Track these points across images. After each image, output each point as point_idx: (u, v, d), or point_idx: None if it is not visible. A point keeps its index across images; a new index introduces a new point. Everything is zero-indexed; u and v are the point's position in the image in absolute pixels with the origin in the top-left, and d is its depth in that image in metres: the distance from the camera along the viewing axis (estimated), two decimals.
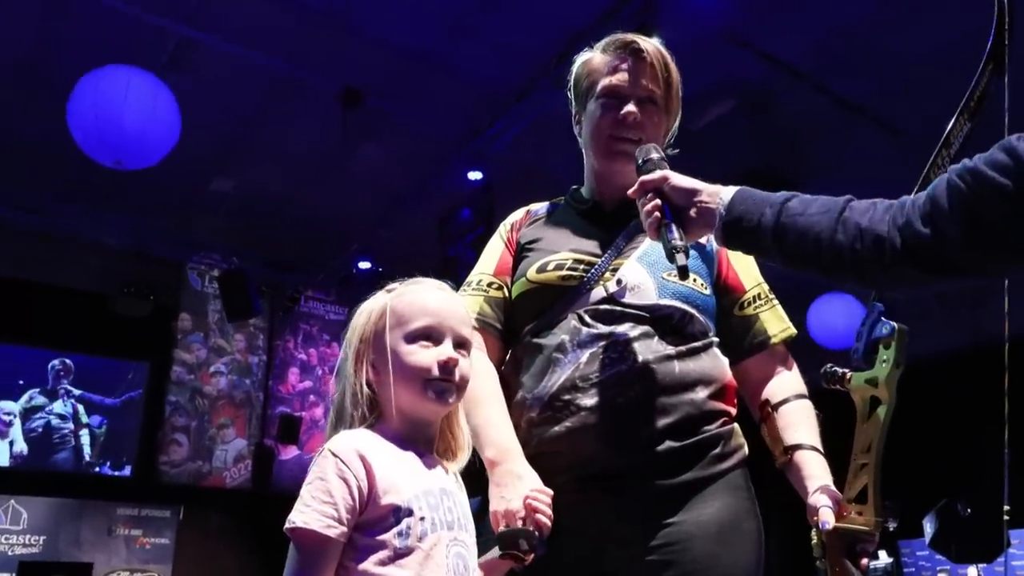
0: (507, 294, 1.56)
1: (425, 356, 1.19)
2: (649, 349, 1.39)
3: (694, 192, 1.30)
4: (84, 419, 8.01)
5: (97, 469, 8.03)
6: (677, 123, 1.67)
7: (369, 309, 1.27)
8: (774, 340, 1.53)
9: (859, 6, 4.57)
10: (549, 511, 1.24)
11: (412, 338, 1.20)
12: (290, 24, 4.91)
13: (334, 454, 1.11)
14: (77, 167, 5.28)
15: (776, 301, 1.58)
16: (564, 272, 1.47)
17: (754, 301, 1.55)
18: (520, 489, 1.27)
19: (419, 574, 1.08)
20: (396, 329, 1.21)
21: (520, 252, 1.57)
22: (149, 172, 4.88)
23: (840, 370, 1.07)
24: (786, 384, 1.49)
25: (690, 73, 5.85)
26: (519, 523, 1.23)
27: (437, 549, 1.11)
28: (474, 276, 1.61)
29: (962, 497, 6.17)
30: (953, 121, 0.91)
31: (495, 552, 1.22)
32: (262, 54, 5.08)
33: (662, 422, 1.36)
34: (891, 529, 1.12)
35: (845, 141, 5.58)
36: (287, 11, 4.82)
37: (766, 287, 1.59)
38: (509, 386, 1.49)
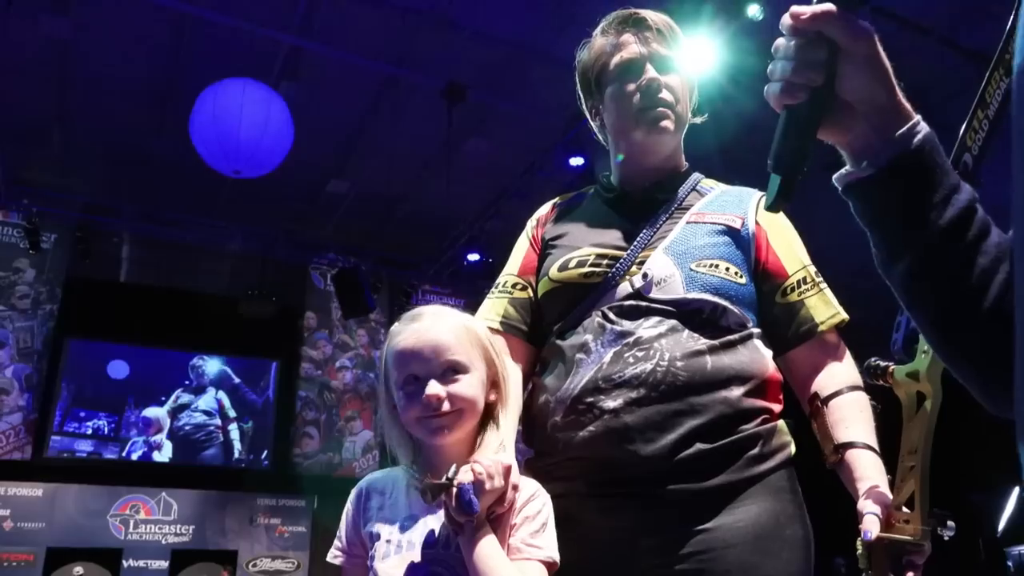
0: (533, 294, 1.48)
1: (412, 398, 1.23)
2: (678, 345, 1.28)
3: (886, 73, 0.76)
4: (231, 414, 8.50)
5: (243, 464, 8.51)
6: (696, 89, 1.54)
7: (381, 357, 1.33)
8: (822, 327, 1.36)
9: None
10: (490, 468, 1.13)
11: (401, 386, 1.24)
12: (393, 25, 5.01)
13: (351, 494, 1.31)
14: (203, 179, 5.59)
15: (824, 285, 1.41)
16: (586, 269, 1.38)
17: (799, 286, 1.39)
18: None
19: None
20: (388, 380, 1.28)
21: (544, 249, 1.49)
22: (268, 179, 5.11)
23: (883, 363, 0.97)
24: (837, 375, 1.34)
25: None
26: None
27: (400, 570, 1.17)
28: (501, 278, 1.54)
29: None
30: (987, 78, 0.81)
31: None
32: (367, 57, 5.22)
33: (691, 423, 1.24)
34: (946, 538, 1.00)
35: (973, 94, 5.22)
36: (390, 12, 4.93)
37: (812, 270, 1.42)
38: (535, 389, 1.41)
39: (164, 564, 7.94)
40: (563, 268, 1.41)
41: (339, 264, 7.91)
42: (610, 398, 1.27)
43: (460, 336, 1.27)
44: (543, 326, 1.46)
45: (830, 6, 0.72)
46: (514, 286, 1.50)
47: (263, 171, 4.70)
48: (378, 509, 1.25)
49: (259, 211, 7.12)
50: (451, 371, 1.23)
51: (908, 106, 0.77)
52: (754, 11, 4.06)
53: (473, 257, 7.15)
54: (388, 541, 1.20)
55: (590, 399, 1.29)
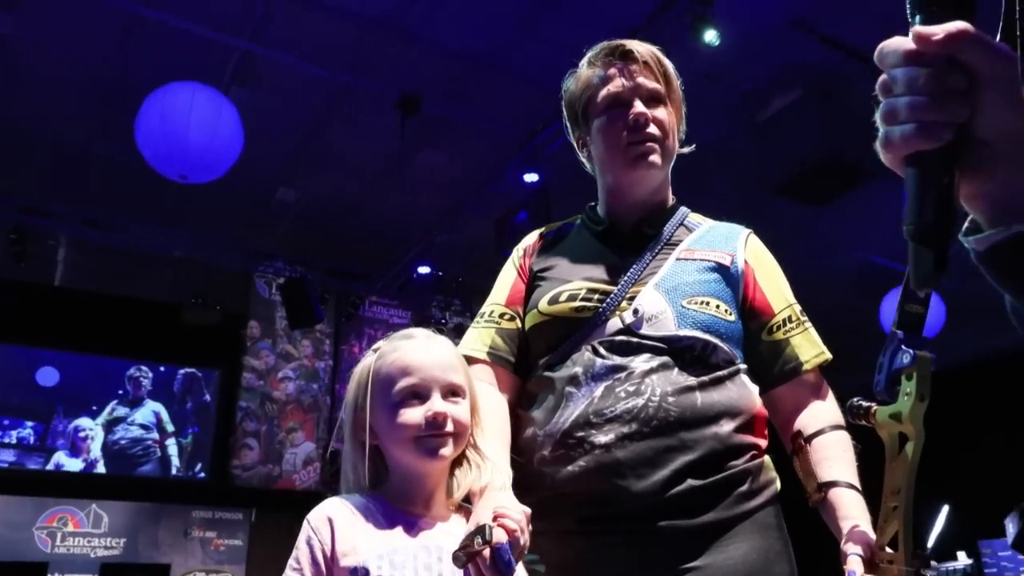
0: (520, 324, 1.47)
1: (413, 415, 1.19)
2: (668, 381, 1.29)
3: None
4: (169, 428, 8.28)
5: (178, 475, 8.29)
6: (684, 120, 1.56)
7: (358, 375, 1.27)
8: (807, 366, 1.39)
9: None
10: (517, 521, 1.11)
11: (399, 399, 1.20)
12: (348, 34, 4.98)
13: (308, 522, 1.19)
14: (147, 183, 5.45)
15: (808, 323, 1.43)
16: (578, 303, 1.38)
17: (784, 324, 1.41)
18: (490, 508, 1.15)
19: None
20: (381, 392, 1.22)
21: (532, 280, 1.49)
22: (215, 185, 5.01)
23: (865, 404, 0.98)
24: (820, 414, 1.36)
25: (753, 62, 5.74)
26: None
27: None
28: (486, 307, 1.53)
29: None
30: None
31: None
32: (321, 65, 5.17)
33: (683, 459, 1.25)
34: None
35: None
36: (344, 21, 4.89)
37: (798, 308, 1.45)
38: (521, 421, 1.40)
39: None
40: (553, 301, 1.40)
41: (285, 273, 7.80)
42: (601, 433, 1.27)
43: (459, 360, 1.27)
44: (529, 358, 1.45)
45: (966, 25, 0.59)
46: (501, 316, 1.49)
47: (211, 177, 4.61)
48: (360, 540, 1.17)
49: (203, 217, 6.98)
50: (451, 393, 1.22)
51: None
52: (711, 36, 4.14)
53: (424, 270, 7.12)
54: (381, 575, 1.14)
55: (581, 433, 1.28)
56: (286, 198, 6.91)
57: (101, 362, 8.14)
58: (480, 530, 1.08)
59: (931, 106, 0.59)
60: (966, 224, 0.66)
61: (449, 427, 1.19)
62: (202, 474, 8.35)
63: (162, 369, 8.37)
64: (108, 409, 8.10)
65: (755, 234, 1.55)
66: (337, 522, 1.18)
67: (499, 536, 1.07)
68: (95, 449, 7.93)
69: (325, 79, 5.32)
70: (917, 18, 0.62)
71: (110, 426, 8.06)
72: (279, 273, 8.03)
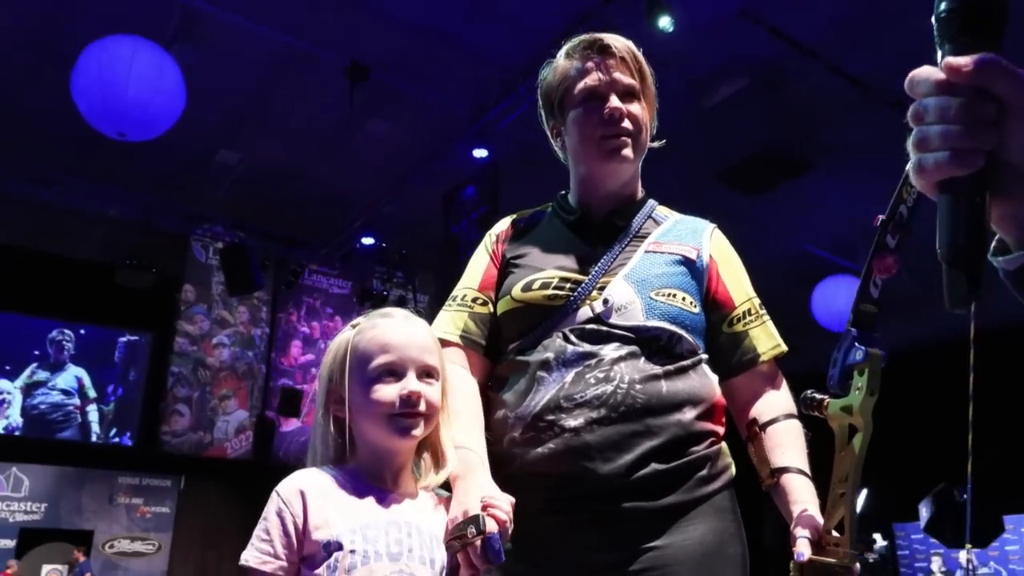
0: (492, 309, 1.50)
1: (387, 392, 1.20)
2: (636, 369, 1.35)
3: None
4: (91, 394, 8.09)
5: (104, 440, 8.11)
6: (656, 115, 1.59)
7: (335, 348, 1.28)
8: (763, 357, 1.45)
9: None
10: (506, 511, 1.18)
11: (375, 375, 1.22)
12: None
13: (278, 494, 1.18)
14: (81, 138, 5.29)
15: (767, 317, 1.50)
16: (550, 291, 1.42)
17: (744, 317, 1.48)
18: (475, 494, 1.21)
19: None
20: (359, 368, 1.23)
21: (505, 267, 1.52)
22: (154, 144, 4.88)
23: (818, 396, 1.04)
24: (775, 403, 1.43)
25: (702, 51, 5.78)
26: None
27: None
28: (459, 291, 1.55)
29: (959, 483, 6.24)
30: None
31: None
32: (270, 27, 5.06)
33: (648, 444, 1.31)
34: (869, 561, 1.11)
35: (856, 119, 5.55)
36: None
37: (757, 302, 1.51)
38: (492, 403, 1.44)
39: (11, 543, 7.51)
40: (527, 289, 1.44)
41: (224, 238, 7.66)
42: (571, 417, 1.32)
43: (435, 343, 1.29)
44: (499, 342, 1.49)
45: (995, 56, 0.62)
46: (474, 300, 1.51)
47: (151, 135, 4.49)
48: (332, 514, 1.18)
49: (139, 176, 6.79)
50: (426, 374, 1.24)
51: None
52: (665, 23, 4.19)
53: (368, 241, 7.07)
54: (353, 551, 1.15)
55: (551, 417, 1.33)
56: (227, 161, 6.77)
57: (23, 321, 7.90)
58: (474, 520, 1.12)
59: (963, 134, 0.62)
60: (994, 244, 0.68)
61: (422, 407, 1.21)
62: (129, 440, 8.19)
63: (83, 331, 8.14)
64: (28, 372, 7.87)
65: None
66: (309, 495, 1.18)
67: (491, 527, 1.12)
68: (14, 413, 7.71)
69: (273, 41, 5.22)
70: (946, 47, 0.65)
71: (29, 390, 7.84)
72: (217, 237, 7.88)
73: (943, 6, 0.65)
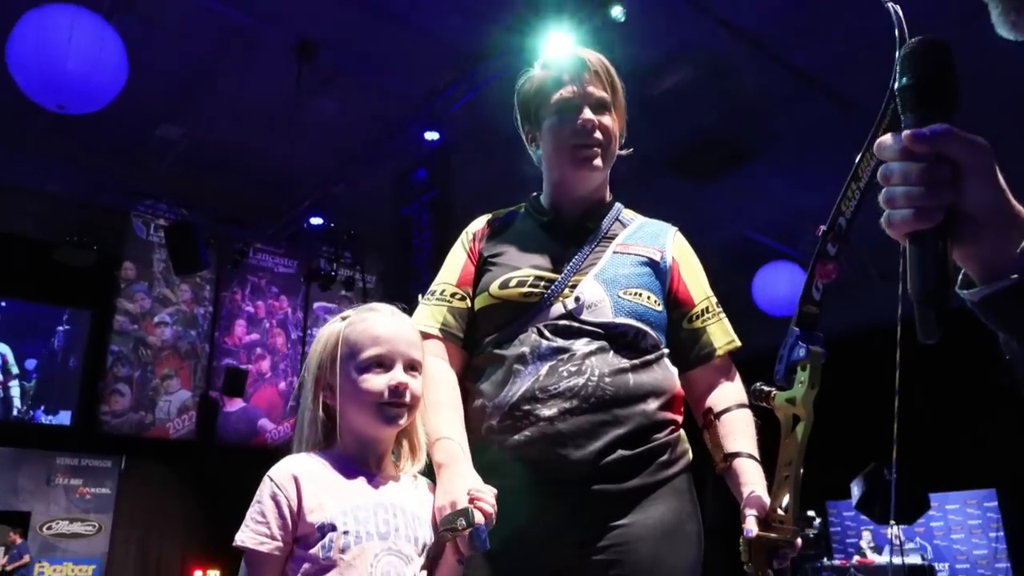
0: (470, 304, 1.59)
1: (377, 382, 1.28)
2: (605, 363, 1.45)
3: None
4: (14, 371, 7.84)
5: (20, 415, 7.86)
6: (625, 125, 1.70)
7: (325, 338, 1.35)
8: (719, 352, 1.58)
9: None
10: (491, 504, 1.27)
11: (365, 365, 1.29)
12: None
13: (271, 479, 1.25)
14: (18, 111, 5.10)
15: (723, 314, 1.62)
16: (526, 289, 1.52)
17: (702, 314, 1.60)
18: (462, 484, 1.31)
19: None
20: (349, 358, 1.30)
21: (482, 264, 1.61)
22: (94, 117, 4.74)
23: (766, 388, 1.13)
24: (728, 394, 1.55)
25: (652, 39, 5.81)
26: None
27: (361, 559, 1.22)
28: (437, 286, 1.63)
29: (888, 463, 6.46)
30: (860, 156, 0.94)
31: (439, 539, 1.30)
32: (215, 1, 4.94)
33: (615, 432, 1.42)
34: (810, 536, 1.23)
35: (799, 111, 5.67)
36: None
37: (714, 300, 1.63)
38: (469, 393, 1.53)
39: None
40: (504, 286, 1.54)
41: (166, 215, 7.49)
42: (546, 407, 1.42)
43: (419, 338, 1.39)
44: (476, 335, 1.58)
45: (949, 125, 0.71)
46: (452, 295, 1.60)
47: (91, 108, 4.35)
48: (324, 497, 1.24)
49: (77, 149, 6.58)
50: (410, 367, 1.32)
51: (1015, 203, 0.75)
52: (617, 12, 4.23)
53: (316, 221, 6.98)
54: (346, 532, 1.22)
55: (527, 407, 1.43)
56: (169, 135, 6.60)
57: None
58: (463, 513, 1.24)
59: (924, 194, 0.72)
60: (960, 277, 0.78)
61: (407, 398, 1.29)
62: (68, 420, 7.97)
63: (3, 304, 7.88)
64: None
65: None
66: (302, 480, 1.24)
67: (479, 519, 1.23)
68: None
69: (219, 15, 5.10)
70: (907, 116, 0.74)
71: None
72: (159, 214, 7.69)
73: (904, 81, 0.74)
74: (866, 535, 8.37)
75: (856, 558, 8.02)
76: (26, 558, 7.26)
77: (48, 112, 4.44)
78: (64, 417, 7.98)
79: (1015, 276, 0.74)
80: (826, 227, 1.00)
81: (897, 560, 7.26)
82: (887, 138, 0.74)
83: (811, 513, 8.51)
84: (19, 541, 7.31)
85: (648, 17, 4.71)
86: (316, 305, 8.99)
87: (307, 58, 5.34)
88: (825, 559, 8.01)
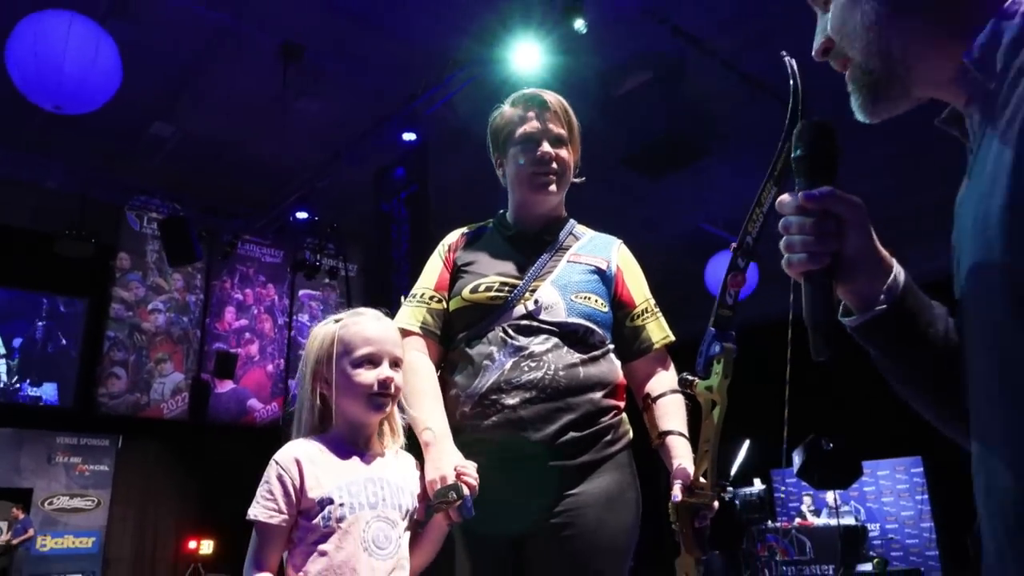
0: (445, 305, 1.73)
1: (368, 376, 1.41)
2: (560, 358, 1.60)
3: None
4: (1, 350, 7.71)
5: (15, 389, 7.72)
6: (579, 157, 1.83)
7: (321, 336, 1.47)
8: (656, 345, 1.73)
9: None
10: (475, 477, 1.42)
11: (358, 362, 1.42)
12: None
13: (277, 462, 1.37)
14: (17, 110, 4.99)
15: (660, 314, 1.78)
16: (492, 293, 1.66)
17: (642, 314, 1.75)
18: (450, 461, 1.45)
19: (338, 547, 1.33)
20: (344, 355, 1.43)
21: (456, 272, 1.75)
22: (89, 116, 4.65)
23: (689, 378, 1.22)
24: (664, 381, 1.70)
25: (612, 45, 5.83)
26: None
27: (355, 526, 1.35)
28: (418, 290, 1.77)
29: (826, 434, 6.59)
30: (762, 187, 1.05)
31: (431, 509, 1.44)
32: (204, 5, 4.87)
33: (567, 417, 1.57)
34: (726, 500, 1.32)
35: (747, 112, 5.72)
36: None
37: (652, 302, 1.78)
38: (445, 383, 1.67)
39: None
40: (474, 291, 1.68)
41: (158, 207, 7.38)
42: (510, 396, 1.58)
43: (400, 338, 1.52)
44: (451, 332, 1.72)
45: (833, 189, 0.84)
46: (431, 298, 1.74)
47: (87, 109, 4.27)
48: (322, 476, 1.36)
49: (73, 146, 6.46)
50: (394, 363, 1.46)
51: (882, 250, 0.89)
52: (580, 24, 4.25)
53: (301, 215, 6.92)
54: (342, 504, 1.34)
55: (494, 396, 1.59)
56: (161, 133, 6.50)
57: None
58: (454, 487, 1.39)
59: (815, 243, 0.85)
60: (842, 308, 0.92)
61: (392, 389, 1.43)
62: (68, 401, 7.85)
63: (15, 295, 7.72)
64: None
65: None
66: (303, 462, 1.36)
67: (466, 491, 1.39)
68: None
69: (207, 19, 5.02)
70: (800, 180, 0.87)
71: None
72: (149, 207, 7.59)
73: (798, 152, 0.88)
74: (807, 500, 8.53)
75: (797, 520, 8.18)
76: (30, 531, 7.17)
77: (45, 111, 4.35)
78: (48, 389, 7.82)
79: (880, 308, 0.88)
80: (736, 244, 1.11)
81: (834, 521, 7.42)
82: (786, 197, 0.87)
83: (756, 480, 8.67)
84: (22, 516, 7.21)
85: (608, 26, 4.73)
86: (301, 292, 8.94)
87: (292, 60, 5.29)
88: (770, 522, 8.16)
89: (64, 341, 8.02)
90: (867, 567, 7.33)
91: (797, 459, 6.79)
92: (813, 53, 0.93)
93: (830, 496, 7.58)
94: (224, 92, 5.90)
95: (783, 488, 9.43)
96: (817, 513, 8.25)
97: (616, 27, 4.87)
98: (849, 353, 0.89)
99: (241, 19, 5.02)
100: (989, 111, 0.77)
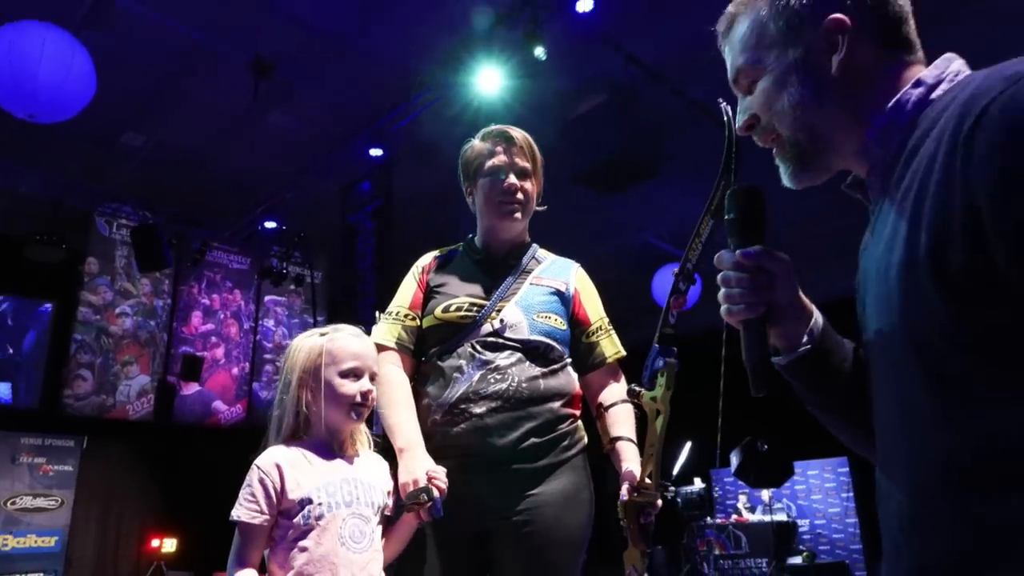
0: (419, 323, 1.80)
1: (352, 387, 1.50)
2: (523, 372, 1.68)
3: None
4: None
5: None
6: (542, 188, 1.92)
7: (308, 348, 1.53)
8: (609, 360, 1.83)
9: (717, 19, 4.78)
10: (445, 482, 1.51)
11: (344, 374, 1.50)
12: None
13: (258, 467, 1.43)
14: None
15: (612, 331, 1.87)
16: (463, 313, 1.74)
17: (597, 331, 1.84)
18: (422, 466, 1.53)
19: (317, 542, 1.39)
20: (330, 366, 1.50)
21: (429, 292, 1.82)
22: (62, 125, 4.52)
23: (636, 389, 1.28)
24: (615, 392, 1.80)
25: (570, 70, 5.89)
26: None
27: (332, 523, 1.41)
28: (394, 308, 1.83)
29: (761, 437, 6.72)
30: (700, 218, 1.14)
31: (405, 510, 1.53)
32: (178, 20, 4.79)
33: (529, 425, 1.65)
34: (669, 499, 1.41)
35: (693, 135, 5.83)
36: None
37: (606, 320, 1.88)
38: (418, 393, 1.74)
39: None
40: (446, 310, 1.76)
41: (128, 215, 7.21)
42: (477, 406, 1.66)
43: (376, 353, 1.60)
44: (423, 348, 1.80)
45: (764, 248, 0.95)
46: (405, 316, 1.81)
47: (61, 118, 4.16)
48: (301, 478, 1.42)
49: (46, 154, 6.27)
50: (372, 377, 1.54)
51: (804, 298, 1.01)
52: (539, 52, 4.31)
53: (270, 224, 6.83)
54: (320, 503, 1.41)
55: (463, 406, 1.66)
56: (133, 143, 6.36)
57: None
58: (425, 490, 1.47)
59: (751, 295, 0.95)
60: (773, 348, 1.01)
61: (370, 401, 1.52)
62: (33, 402, 7.59)
63: None
64: None
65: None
66: (284, 466, 1.43)
67: (436, 494, 1.48)
68: None
69: (181, 34, 4.94)
70: (733, 239, 0.97)
71: None
72: (119, 214, 7.41)
73: (730, 216, 0.98)
74: (743, 497, 8.67)
75: (734, 517, 8.30)
76: None
77: (13, 118, 4.23)
78: (3, 389, 7.55)
79: (804, 348, 0.98)
80: (678, 271, 1.19)
81: (767, 518, 7.57)
82: (724, 253, 0.97)
83: (696, 480, 8.78)
84: None
85: (565, 52, 4.79)
86: (267, 298, 8.80)
87: (263, 76, 5.23)
88: (709, 518, 8.27)
89: (30, 343, 7.76)
90: (797, 560, 7.49)
91: (734, 460, 6.91)
92: (737, 128, 1.01)
93: (765, 494, 7.73)
94: (196, 104, 5.80)
95: (722, 487, 9.57)
96: (752, 510, 8.39)
97: (573, 54, 4.93)
98: (780, 387, 0.98)
99: (214, 35, 4.96)
100: (887, 180, 0.87)
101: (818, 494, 8.76)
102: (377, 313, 1.87)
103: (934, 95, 0.85)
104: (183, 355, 7.96)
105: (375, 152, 5.64)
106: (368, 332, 1.70)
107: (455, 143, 1.97)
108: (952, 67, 0.87)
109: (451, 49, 4.69)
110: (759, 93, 0.97)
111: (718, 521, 8.14)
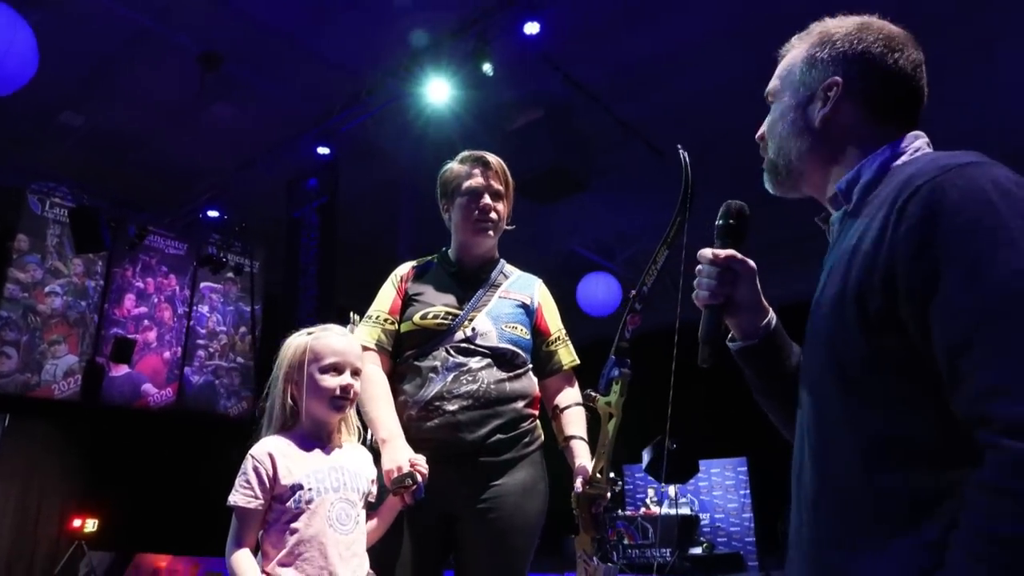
0: (397, 327, 1.89)
1: (332, 382, 1.56)
2: (491, 375, 1.80)
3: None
4: None
5: None
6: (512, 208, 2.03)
7: (295, 346, 1.60)
8: (565, 367, 1.95)
9: (650, 47, 4.92)
10: (425, 468, 1.61)
11: (325, 370, 1.56)
12: None
13: (252, 456, 1.50)
14: None
15: (569, 341, 2.00)
16: (439, 320, 1.84)
17: (555, 341, 1.97)
18: (404, 455, 1.63)
19: (307, 524, 1.46)
20: (314, 363, 1.56)
21: (407, 300, 1.92)
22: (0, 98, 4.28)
23: (592, 394, 1.38)
24: (570, 396, 1.93)
25: (510, 84, 5.94)
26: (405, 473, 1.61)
27: (321, 507, 1.48)
28: (374, 312, 1.92)
29: (670, 436, 6.91)
30: (657, 248, 1.26)
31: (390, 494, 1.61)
32: (125, 6, 4.59)
33: (496, 422, 1.77)
34: (616, 491, 1.51)
35: (621, 152, 5.97)
36: None
37: (563, 331, 2.00)
38: (396, 391, 1.83)
39: None
40: (423, 317, 1.86)
41: (62, 194, 6.85)
42: (450, 404, 1.76)
43: (360, 351, 1.66)
44: (401, 350, 1.89)
45: (733, 252, 1.11)
46: (385, 320, 1.90)
47: (1, 93, 3.92)
48: (292, 466, 1.49)
49: None
50: (355, 372, 1.60)
51: (763, 300, 1.15)
52: (487, 68, 4.37)
53: (213, 213, 6.61)
54: (310, 489, 1.48)
55: (437, 403, 1.76)
56: (72, 122, 6.05)
57: None
58: (410, 475, 1.58)
59: (717, 286, 1.11)
60: (730, 335, 1.16)
61: (351, 395, 1.58)
62: None
63: None
64: None
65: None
66: (276, 455, 1.49)
67: (419, 479, 1.58)
68: None
69: (128, 19, 4.74)
70: (716, 241, 1.12)
71: None
72: (55, 193, 7.03)
73: (719, 223, 1.13)
74: (650, 491, 8.87)
75: (643, 509, 8.50)
76: None
77: None
78: None
79: (753, 340, 1.14)
80: (635, 292, 1.29)
81: (673, 511, 7.78)
82: (706, 251, 1.13)
83: (613, 475, 8.97)
84: None
85: (507, 69, 4.83)
86: (203, 285, 8.50)
87: (210, 68, 5.06)
88: (620, 511, 8.44)
89: None
90: (698, 550, 7.74)
91: (646, 456, 7.09)
92: (756, 136, 1.15)
93: (671, 489, 7.94)
94: (139, 89, 5.57)
95: (633, 481, 9.78)
96: (659, 503, 8.60)
97: (514, 71, 4.97)
98: (709, 369, 1.13)
99: (162, 23, 4.77)
100: (843, 224, 1.01)
101: (719, 491, 9.04)
102: (354, 315, 1.96)
103: (895, 164, 0.98)
104: (115, 337, 7.61)
105: (323, 151, 5.56)
106: (311, 324, 1.74)
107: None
108: (915, 144, 1.00)
109: (400, 59, 4.66)
110: (770, 115, 1.12)
111: (628, 513, 8.31)
